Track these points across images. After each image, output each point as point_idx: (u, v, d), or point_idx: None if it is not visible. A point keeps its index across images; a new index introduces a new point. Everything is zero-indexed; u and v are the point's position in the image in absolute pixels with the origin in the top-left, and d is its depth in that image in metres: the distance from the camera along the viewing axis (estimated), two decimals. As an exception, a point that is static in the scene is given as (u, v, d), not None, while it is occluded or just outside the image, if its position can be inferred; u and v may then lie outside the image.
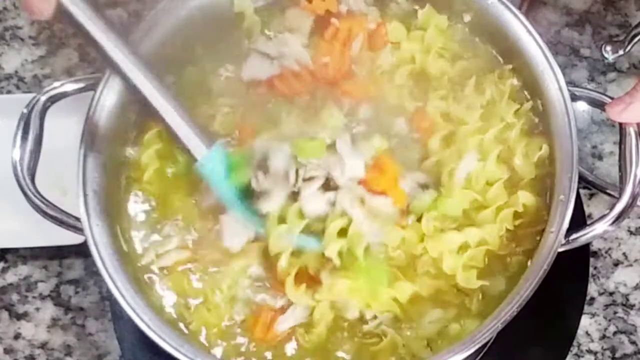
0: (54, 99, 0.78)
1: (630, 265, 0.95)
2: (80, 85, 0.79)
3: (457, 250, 0.76)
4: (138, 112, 0.82)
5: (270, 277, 0.77)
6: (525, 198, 0.78)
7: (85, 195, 0.75)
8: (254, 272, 0.78)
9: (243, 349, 0.76)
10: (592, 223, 0.74)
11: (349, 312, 0.75)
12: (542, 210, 0.78)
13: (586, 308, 0.91)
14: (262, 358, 0.76)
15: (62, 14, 0.69)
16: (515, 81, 0.82)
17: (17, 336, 0.95)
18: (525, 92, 0.82)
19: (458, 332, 0.75)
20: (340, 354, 0.76)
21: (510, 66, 0.83)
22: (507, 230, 0.77)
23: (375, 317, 0.75)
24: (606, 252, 0.95)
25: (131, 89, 0.74)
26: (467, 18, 0.85)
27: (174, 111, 0.75)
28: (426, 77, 0.84)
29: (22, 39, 1.08)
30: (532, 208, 0.78)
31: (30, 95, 0.80)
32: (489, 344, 0.87)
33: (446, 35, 0.85)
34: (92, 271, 0.96)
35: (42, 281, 0.97)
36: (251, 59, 0.84)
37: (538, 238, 0.76)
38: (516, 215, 0.78)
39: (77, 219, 0.75)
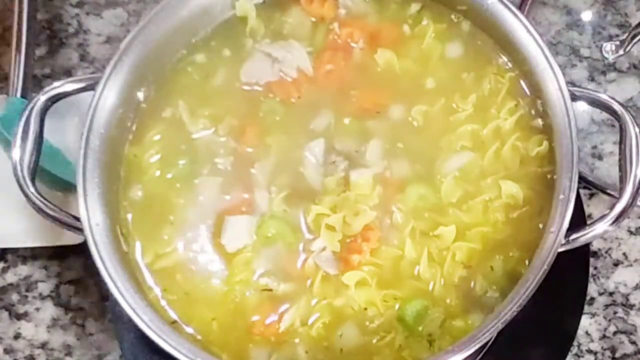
0: (54, 99, 0.78)
1: (630, 265, 0.95)
2: (80, 85, 0.79)
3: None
4: (138, 113, 0.82)
5: (272, 272, 0.78)
6: (516, 190, 0.78)
7: (85, 195, 0.75)
8: (256, 270, 0.78)
9: (244, 347, 0.76)
10: (592, 223, 0.74)
11: (351, 307, 0.76)
12: (538, 205, 0.78)
13: (586, 308, 0.91)
14: (263, 355, 0.76)
15: None
16: (513, 79, 0.82)
17: (17, 336, 0.95)
18: (525, 90, 0.82)
19: (462, 328, 0.75)
20: (342, 350, 0.76)
21: (510, 66, 0.83)
22: (503, 224, 0.78)
23: (380, 314, 0.76)
24: (606, 252, 0.95)
25: None
26: (466, 19, 0.85)
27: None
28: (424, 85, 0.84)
29: (22, 39, 1.08)
30: (526, 202, 0.78)
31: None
32: (489, 344, 0.87)
33: (444, 38, 0.85)
34: (92, 271, 0.96)
35: (42, 281, 0.97)
36: (254, 59, 0.84)
37: (535, 235, 0.76)
38: (509, 208, 0.78)
39: (77, 219, 0.75)
